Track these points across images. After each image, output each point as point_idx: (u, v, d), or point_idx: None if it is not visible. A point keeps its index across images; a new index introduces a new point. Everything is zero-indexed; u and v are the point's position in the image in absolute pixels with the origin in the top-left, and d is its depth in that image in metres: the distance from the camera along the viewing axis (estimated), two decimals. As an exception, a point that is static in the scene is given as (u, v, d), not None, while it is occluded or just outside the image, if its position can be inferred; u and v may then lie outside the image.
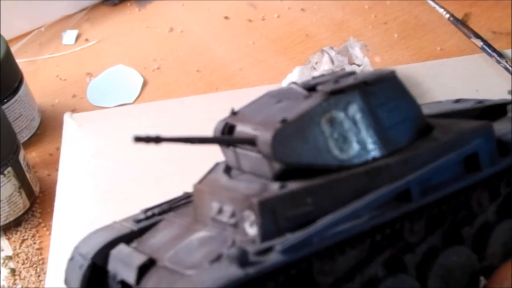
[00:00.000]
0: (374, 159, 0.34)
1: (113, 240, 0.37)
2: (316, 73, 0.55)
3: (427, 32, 0.66)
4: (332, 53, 0.55)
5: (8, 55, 0.54)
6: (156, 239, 0.36)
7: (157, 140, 0.33)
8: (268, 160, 0.33)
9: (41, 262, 0.49)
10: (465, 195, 0.37)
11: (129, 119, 0.58)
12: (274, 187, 0.33)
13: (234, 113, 0.37)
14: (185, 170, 0.52)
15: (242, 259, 0.29)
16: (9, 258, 0.50)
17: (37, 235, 0.51)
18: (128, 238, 0.37)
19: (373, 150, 0.35)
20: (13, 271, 0.49)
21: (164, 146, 0.56)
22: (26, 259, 0.50)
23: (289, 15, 0.70)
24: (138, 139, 0.32)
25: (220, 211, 0.34)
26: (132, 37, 0.69)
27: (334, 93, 0.34)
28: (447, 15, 0.65)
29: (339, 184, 0.33)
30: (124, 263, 0.35)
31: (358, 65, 0.55)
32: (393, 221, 0.34)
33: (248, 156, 0.35)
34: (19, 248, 0.50)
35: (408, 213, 0.34)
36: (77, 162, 0.54)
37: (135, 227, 0.38)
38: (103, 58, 0.67)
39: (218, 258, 0.31)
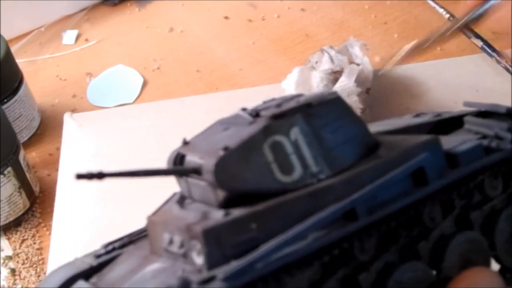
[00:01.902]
0: (319, 181, 0.35)
1: (73, 276, 0.37)
2: (316, 73, 0.55)
3: (427, 32, 0.66)
4: (332, 53, 0.55)
5: (8, 55, 0.54)
6: (114, 273, 0.36)
7: (100, 176, 0.33)
8: (213, 188, 0.34)
9: (41, 262, 0.49)
10: (415, 210, 0.36)
11: (129, 119, 0.58)
12: (219, 215, 0.33)
13: (185, 143, 0.37)
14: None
15: None
16: (9, 258, 0.50)
17: (37, 235, 0.51)
18: (88, 273, 0.37)
19: (317, 172, 0.35)
20: (13, 271, 0.49)
21: (164, 146, 0.56)
22: (26, 259, 0.50)
23: (289, 15, 0.70)
24: (80, 176, 0.33)
25: (170, 241, 0.34)
26: (132, 37, 0.69)
27: (276, 117, 0.35)
28: (447, 15, 0.65)
29: (283, 208, 0.33)
30: None
31: (358, 64, 0.55)
32: (341, 241, 0.34)
33: (196, 185, 0.36)
34: (19, 248, 0.50)
35: (356, 231, 0.34)
36: (77, 162, 0.54)
37: (94, 262, 0.38)
38: (103, 58, 0.67)
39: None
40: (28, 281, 0.48)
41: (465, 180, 0.38)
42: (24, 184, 0.51)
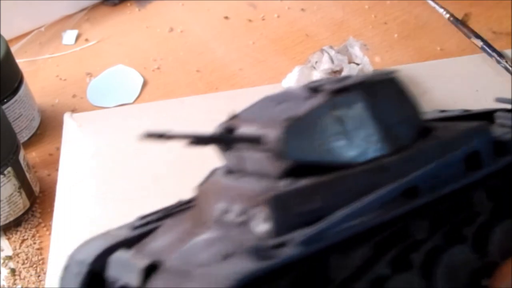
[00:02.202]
0: (379, 157, 0.35)
1: (111, 246, 0.36)
2: (316, 73, 0.55)
3: (427, 32, 0.66)
4: (332, 52, 0.55)
5: (8, 55, 0.54)
6: (156, 244, 0.36)
7: (165, 136, 0.32)
8: (275, 158, 0.33)
9: (41, 262, 0.49)
10: (467, 194, 0.37)
11: (129, 119, 0.58)
12: (284, 184, 0.33)
13: (233, 117, 0.37)
14: (185, 170, 0.52)
15: (259, 253, 0.29)
16: (9, 258, 0.50)
17: (37, 235, 0.51)
18: (126, 244, 0.36)
19: (378, 148, 0.35)
20: (13, 271, 0.49)
21: (164, 147, 0.56)
22: (26, 259, 0.50)
23: (289, 15, 0.70)
24: (148, 135, 0.32)
25: (226, 211, 0.34)
26: (132, 37, 0.69)
27: (338, 92, 0.35)
28: (447, 15, 0.65)
29: (347, 181, 0.33)
30: (126, 267, 0.34)
31: (358, 64, 0.55)
32: (401, 217, 0.34)
33: (251, 157, 0.35)
34: (19, 248, 0.50)
35: (416, 209, 0.34)
36: (77, 162, 0.54)
37: (132, 233, 0.37)
38: (103, 58, 0.67)
39: (228, 256, 0.31)
40: (28, 281, 0.48)
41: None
42: (24, 184, 0.51)
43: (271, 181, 0.33)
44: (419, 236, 0.35)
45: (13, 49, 0.65)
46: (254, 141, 0.34)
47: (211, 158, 0.52)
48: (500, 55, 0.59)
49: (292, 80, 0.55)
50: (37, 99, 0.60)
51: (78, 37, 0.70)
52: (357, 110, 0.35)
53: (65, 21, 0.71)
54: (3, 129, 0.48)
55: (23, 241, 0.51)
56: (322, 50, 0.56)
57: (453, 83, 0.59)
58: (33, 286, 0.48)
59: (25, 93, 0.56)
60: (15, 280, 0.48)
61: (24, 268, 0.49)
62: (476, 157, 0.36)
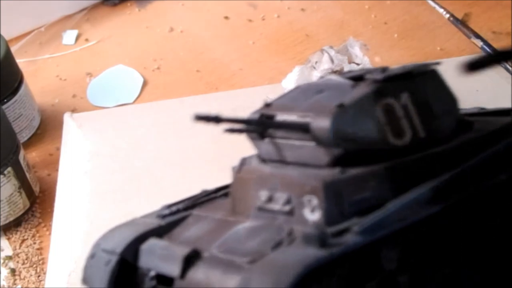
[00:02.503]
0: (427, 147, 0.34)
1: (142, 234, 0.35)
2: (316, 73, 0.55)
3: (427, 32, 0.66)
4: (332, 52, 0.55)
5: (8, 55, 0.54)
6: (191, 233, 0.35)
7: (217, 120, 0.32)
8: (324, 146, 0.33)
9: (41, 262, 0.49)
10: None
11: (129, 119, 0.58)
12: (335, 172, 0.32)
13: (267, 105, 0.36)
14: (185, 170, 0.52)
15: (321, 241, 0.28)
16: (9, 258, 0.50)
17: (37, 235, 0.51)
18: (157, 232, 0.35)
19: (425, 138, 0.35)
20: (13, 271, 0.49)
21: (164, 147, 0.56)
22: (26, 259, 0.50)
23: (289, 15, 0.70)
24: (199, 117, 0.31)
25: (269, 199, 0.33)
26: (132, 37, 0.69)
27: (386, 80, 0.34)
28: (447, 15, 0.65)
29: (398, 171, 0.33)
30: (162, 256, 0.33)
31: (358, 64, 0.55)
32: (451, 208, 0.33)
33: (292, 145, 0.34)
34: (19, 248, 0.50)
35: (463, 201, 0.34)
36: (77, 162, 0.54)
37: (161, 222, 0.36)
38: (103, 58, 0.67)
39: (278, 244, 0.30)
40: (28, 281, 0.48)
41: None
42: (24, 184, 0.51)
43: (319, 170, 0.33)
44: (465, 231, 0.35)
45: (13, 49, 0.65)
46: (301, 128, 0.33)
47: (211, 158, 0.52)
48: (500, 55, 0.59)
49: (292, 80, 0.55)
50: (37, 99, 0.60)
51: (78, 37, 0.70)
52: (404, 100, 0.34)
53: (65, 21, 0.71)
54: (3, 129, 0.48)
55: (23, 241, 0.51)
56: (322, 50, 0.56)
57: (453, 83, 0.58)
58: (33, 286, 0.48)
59: (25, 93, 0.56)
60: (15, 280, 0.48)
61: (24, 268, 0.49)
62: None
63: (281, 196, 0.33)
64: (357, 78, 0.36)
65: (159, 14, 0.72)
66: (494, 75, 0.59)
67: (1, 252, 0.50)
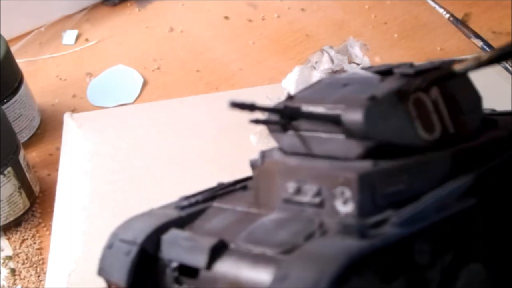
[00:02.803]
0: (456, 142, 0.34)
1: (162, 225, 0.34)
2: (316, 73, 0.55)
3: (427, 32, 0.66)
4: (332, 52, 0.55)
5: (8, 55, 0.54)
6: (213, 224, 0.34)
7: (252, 108, 0.32)
8: (355, 138, 0.32)
9: (41, 262, 0.49)
10: None
11: (129, 119, 0.58)
12: (367, 164, 0.32)
13: (290, 97, 0.36)
14: (185, 170, 0.52)
15: (362, 231, 0.28)
16: (9, 258, 0.50)
17: (37, 235, 0.51)
18: (178, 223, 0.35)
19: (454, 133, 0.35)
20: (13, 271, 0.49)
21: (164, 147, 0.56)
22: (26, 259, 0.50)
23: (289, 15, 0.70)
24: (234, 104, 0.31)
25: (298, 191, 0.33)
26: (132, 37, 0.69)
27: (417, 75, 0.34)
28: (447, 15, 0.65)
29: (429, 165, 0.33)
30: (186, 247, 0.33)
31: (358, 64, 0.55)
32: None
33: (320, 138, 0.34)
34: (19, 248, 0.50)
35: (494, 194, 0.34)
36: (77, 162, 0.54)
37: (181, 213, 0.36)
38: (103, 58, 0.67)
39: (310, 236, 0.30)
40: (28, 281, 0.48)
41: None
42: (24, 184, 0.51)
43: (350, 162, 0.32)
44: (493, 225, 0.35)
45: (13, 49, 0.65)
46: (332, 120, 0.33)
47: (211, 158, 0.52)
48: (500, 55, 0.59)
49: (292, 80, 0.55)
50: (37, 99, 0.60)
51: (78, 37, 0.70)
52: (434, 95, 0.34)
53: (65, 21, 0.71)
54: (3, 129, 0.48)
55: (23, 241, 0.51)
56: (322, 50, 0.56)
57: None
58: (33, 286, 0.48)
59: (25, 93, 0.56)
60: (15, 280, 0.48)
61: (24, 268, 0.49)
62: None
63: (310, 188, 0.32)
64: (384, 73, 0.35)
65: (159, 14, 0.72)
66: (494, 75, 0.59)
67: (1, 252, 0.50)
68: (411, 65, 0.36)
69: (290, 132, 0.35)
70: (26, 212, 0.52)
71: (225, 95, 0.60)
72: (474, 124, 0.36)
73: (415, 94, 0.34)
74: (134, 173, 0.52)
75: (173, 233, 0.34)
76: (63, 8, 0.71)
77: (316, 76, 0.54)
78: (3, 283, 0.48)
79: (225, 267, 0.30)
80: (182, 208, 0.36)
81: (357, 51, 0.56)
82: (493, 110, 0.45)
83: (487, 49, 0.60)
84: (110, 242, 0.35)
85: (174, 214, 0.36)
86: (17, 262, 0.50)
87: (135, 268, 0.33)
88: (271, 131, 0.36)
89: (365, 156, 0.32)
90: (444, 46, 0.64)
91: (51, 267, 0.47)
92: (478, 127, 0.36)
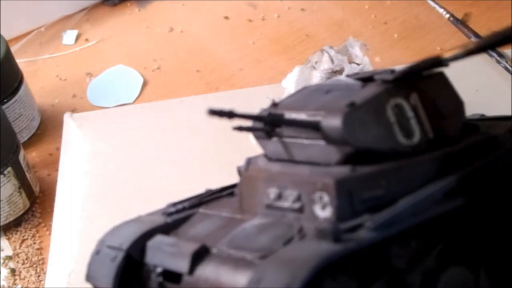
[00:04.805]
0: (437, 147, 0.35)
1: (148, 231, 0.35)
2: (316, 73, 0.55)
3: (427, 32, 0.66)
4: (332, 52, 0.55)
5: (8, 55, 0.54)
6: (197, 230, 0.35)
7: (230, 115, 0.32)
8: (334, 144, 0.33)
9: (41, 262, 0.49)
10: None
11: (129, 119, 0.58)
12: (345, 170, 0.32)
13: (275, 104, 0.36)
14: (185, 170, 0.52)
15: (336, 235, 0.29)
16: (9, 258, 0.50)
17: (37, 235, 0.51)
18: (164, 230, 0.36)
19: (434, 139, 0.35)
20: (13, 271, 0.49)
21: (164, 147, 0.56)
22: (26, 259, 0.50)
23: (289, 15, 0.70)
24: (212, 112, 0.32)
25: (279, 197, 0.33)
26: (132, 37, 0.69)
27: (396, 81, 0.34)
28: (447, 15, 0.65)
29: (409, 170, 0.33)
30: (169, 253, 0.33)
31: (358, 64, 0.55)
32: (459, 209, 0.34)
33: (302, 144, 0.35)
34: (19, 248, 0.50)
35: (474, 200, 0.34)
36: (77, 162, 0.54)
37: (168, 219, 0.36)
38: (103, 58, 0.67)
39: (289, 240, 0.30)
40: (28, 281, 0.48)
41: None
42: (24, 184, 0.51)
43: (330, 168, 0.33)
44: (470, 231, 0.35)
45: (13, 49, 0.65)
46: (312, 126, 0.33)
47: (211, 158, 0.52)
48: (500, 55, 0.59)
49: (292, 80, 0.55)
50: (37, 99, 0.60)
51: (78, 37, 0.70)
52: (413, 100, 0.35)
53: (65, 21, 0.71)
54: (3, 129, 0.48)
55: (23, 241, 0.51)
56: (322, 50, 0.56)
57: (453, 83, 0.58)
58: (33, 286, 0.48)
59: (25, 93, 0.56)
60: (15, 280, 0.48)
61: (24, 268, 0.49)
62: None
63: (291, 194, 0.33)
64: (366, 79, 0.36)
65: (159, 14, 0.72)
66: (494, 75, 0.59)
67: (1, 252, 0.50)
68: (392, 71, 0.36)
69: (274, 139, 0.36)
70: (26, 212, 0.52)
71: (225, 95, 0.60)
72: (456, 129, 0.36)
73: (394, 100, 0.34)
74: (134, 173, 0.52)
75: (158, 239, 0.35)
76: (63, 8, 0.71)
77: (316, 76, 0.54)
78: (3, 283, 0.48)
79: (207, 271, 0.31)
80: (169, 214, 0.37)
81: (357, 51, 0.56)
82: (482, 115, 0.45)
83: (487, 49, 0.60)
84: (98, 248, 0.36)
85: (160, 220, 0.36)
86: (17, 262, 0.50)
87: (121, 274, 0.34)
88: (257, 137, 0.37)
89: (344, 161, 0.33)
90: (444, 46, 0.64)
91: (51, 267, 0.47)
92: (459, 132, 0.36)
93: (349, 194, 0.31)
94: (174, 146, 0.54)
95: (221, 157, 0.52)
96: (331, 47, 0.56)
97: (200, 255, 0.32)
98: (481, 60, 0.60)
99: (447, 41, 0.64)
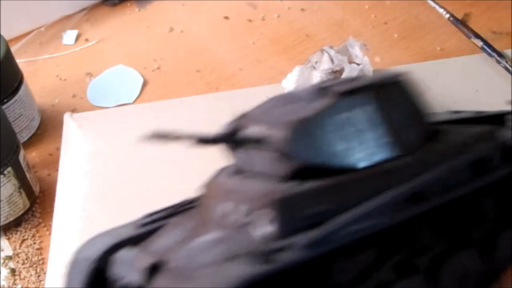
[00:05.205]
0: (387, 161, 0.34)
1: (117, 243, 0.36)
2: (316, 73, 0.55)
3: (427, 32, 0.66)
4: (332, 53, 0.55)
5: (8, 55, 0.54)
6: (162, 242, 0.35)
7: (171, 137, 0.32)
8: (281, 159, 0.33)
9: (41, 262, 0.50)
10: (475, 200, 0.36)
11: (129, 119, 0.58)
12: (290, 186, 0.32)
13: (242, 115, 0.37)
14: (185, 170, 0.52)
15: (259, 256, 0.29)
16: (9, 258, 0.50)
17: (37, 235, 0.51)
18: (133, 241, 0.36)
19: (384, 152, 0.34)
20: (13, 271, 0.49)
21: (163, 147, 0.56)
22: (26, 259, 0.50)
23: (289, 15, 0.70)
24: (153, 136, 0.32)
25: (231, 212, 0.33)
26: (132, 37, 0.69)
27: (346, 94, 0.34)
28: (447, 15, 0.65)
29: (353, 185, 0.33)
30: (129, 266, 0.34)
31: (358, 64, 0.55)
32: (407, 222, 0.33)
33: (260, 157, 0.35)
34: (19, 248, 0.50)
35: (422, 214, 0.34)
36: (77, 162, 0.54)
37: (139, 231, 0.37)
38: (103, 58, 0.67)
39: (230, 258, 0.30)
40: (28, 281, 0.48)
41: None
42: (24, 184, 0.51)
43: (277, 183, 0.33)
44: (425, 241, 0.35)
45: (13, 49, 0.65)
46: (259, 141, 0.34)
47: (212, 158, 0.52)
48: (500, 55, 0.59)
49: (292, 80, 0.55)
50: (37, 99, 0.60)
51: (78, 37, 0.70)
52: (366, 112, 0.34)
53: (65, 21, 0.71)
54: (3, 129, 0.48)
55: (23, 241, 0.51)
56: (322, 50, 0.56)
57: (453, 83, 0.59)
58: (33, 286, 0.48)
59: (25, 93, 0.56)
60: (15, 280, 0.48)
61: (24, 268, 0.49)
62: (484, 162, 0.36)
63: (241, 209, 0.33)
64: (325, 90, 0.35)
65: (159, 14, 0.72)
66: (494, 75, 0.59)
67: (1, 252, 0.50)
68: (347, 82, 0.36)
69: (240, 149, 0.36)
70: (26, 212, 0.52)
71: (225, 95, 0.60)
72: (416, 139, 0.36)
73: (342, 113, 0.34)
74: (134, 173, 0.52)
75: (124, 252, 0.35)
76: (63, 8, 0.71)
77: (316, 76, 0.54)
78: (3, 283, 0.48)
79: (158, 285, 0.31)
80: (142, 225, 0.37)
81: (357, 51, 0.56)
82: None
83: (487, 49, 0.60)
84: (73, 258, 0.36)
85: (131, 232, 0.37)
86: (17, 262, 0.50)
87: (90, 285, 0.35)
88: (227, 148, 0.37)
89: (292, 176, 0.33)
90: (444, 46, 0.64)
91: (51, 267, 0.47)
92: (422, 141, 0.36)
93: (289, 211, 0.31)
94: (174, 146, 0.54)
95: (221, 157, 0.52)
96: (331, 47, 0.56)
97: (153, 270, 0.32)
98: (481, 60, 0.61)
99: (447, 41, 0.64)
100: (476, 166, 0.36)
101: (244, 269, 0.29)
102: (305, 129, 0.33)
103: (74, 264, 0.36)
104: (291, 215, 0.31)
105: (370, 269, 0.33)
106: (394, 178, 0.34)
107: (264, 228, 0.32)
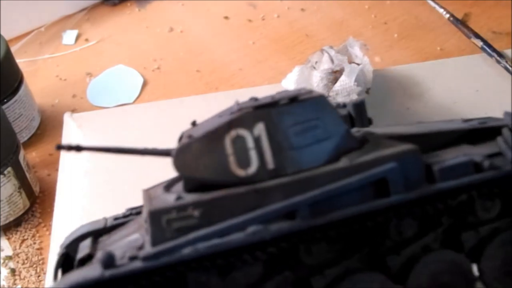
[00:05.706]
0: (271, 178, 0.35)
1: (86, 233, 0.39)
2: (316, 73, 0.55)
3: (427, 32, 0.66)
4: (332, 53, 0.55)
5: (8, 55, 0.54)
6: (115, 236, 0.38)
7: (78, 149, 0.36)
8: (178, 173, 0.36)
9: (41, 262, 0.50)
10: (379, 221, 0.35)
11: (129, 119, 0.58)
12: (171, 199, 0.35)
13: (193, 125, 0.38)
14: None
15: (107, 262, 0.32)
16: (9, 258, 0.50)
17: (37, 235, 0.51)
18: (100, 232, 0.39)
19: (273, 169, 0.35)
20: (13, 271, 0.49)
21: (164, 146, 0.56)
22: (26, 259, 0.50)
23: (289, 15, 0.70)
24: (59, 147, 0.35)
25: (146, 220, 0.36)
26: (132, 37, 0.69)
27: (244, 111, 0.35)
28: (447, 15, 0.65)
29: (227, 200, 0.34)
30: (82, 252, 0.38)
31: (358, 64, 0.55)
32: (279, 240, 0.34)
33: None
34: (19, 248, 0.50)
35: (302, 232, 0.34)
36: (77, 162, 0.54)
37: (110, 223, 0.40)
38: (103, 58, 0.67)
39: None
40: (28, 281, 0.48)
41: (445, 197, 0.35)
42: (24, 184, 0.51)
43: (172, 195, 0.35)
44: (309, 261, 0.36)
45: (13, 49, 0.65)
46: (164, 154, 0.36)
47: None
48: (500, 55, 0.59)
49: (292, 80, 0.55)
50: (37, 99, 0.60)
51: (78, 37, 0.70)
52: (257, 131, 0.35)
53: (65, 21, 0.71)
54: (3, 129, 0.48)
55: (23, 241, 0.51)
56: (322, 50, 0.56)
57: (453, 83, 0.59)
58: (33, 286, 0.48)
59: (25, 93, 0.56)
60: (15, 280, 0.48)
61: (24, 268, 0.49)
62: (385, 184, 0.35)
63: (146, 216, 0.35)
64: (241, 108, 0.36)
65: (159, 14, 0.72)
66: (494, 75, 0.59)
67: (1, 252, 0.50)
68: (255, 99, 0.36)
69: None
70: (26, 212, 0.52)
71: (225, 95, 0.60)
72: (316, 156, 0.35)
73: (235, 131, 0.35)
74: (133, 174, 0.52)
75: (86, 241, 0.39)
76: (63, 8, 0.71)
77: (316, 76, 0.54)
78: (3, 283, 0.48)
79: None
80: (116, 219, 0.41)
81: (357, 51, 0.56)
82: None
83: (487, 49, 0.60)
84: (62, 243, 0.40)
85: (102, 224, 0.40)
86: (17, 262, 0.50)
87: (60, 268, 0.39)
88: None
89: (188, 189, 0.35)
90: (444, 46, 0.64)
91: (51, 267, 0.47)
92: (327, 159, 0.35)
93: (160, 223, 0.34)
94: (174, 146, 0.54)
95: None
96: (331, 47, 0.56)
97: (84, 262, 0.37)
98: (481, 60, 0.61)
99: (447, 41, 0.64)
100: (379, 187, 0.35)
101: (89, 272, 0.32)
102: (194, 147, 0.35)
103: (59, 250, 0.40)
104: (161, 227, 0.34)
105: (258, 282, 0.35)
106: (272, 196, 0.34)
107: (147, 236, 0.34)
